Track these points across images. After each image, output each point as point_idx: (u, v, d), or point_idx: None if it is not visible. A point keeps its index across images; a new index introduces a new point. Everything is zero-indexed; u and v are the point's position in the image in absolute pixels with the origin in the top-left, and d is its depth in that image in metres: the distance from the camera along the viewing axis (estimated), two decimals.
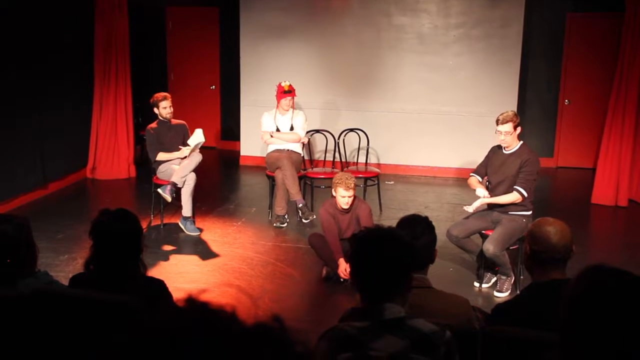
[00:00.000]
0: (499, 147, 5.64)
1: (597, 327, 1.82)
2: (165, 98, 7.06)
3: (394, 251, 2.34)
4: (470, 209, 5.56)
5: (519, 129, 5.49)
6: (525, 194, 5.36)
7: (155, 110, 7.09)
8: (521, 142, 5.54)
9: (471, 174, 5.81)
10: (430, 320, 2.41)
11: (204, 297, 1.03)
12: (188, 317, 1.00)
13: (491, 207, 5.66)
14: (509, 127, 5.44)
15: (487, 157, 5.73)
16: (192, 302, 1.02)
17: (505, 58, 9.36)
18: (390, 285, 2.33)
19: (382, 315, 2.29)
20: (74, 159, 8.91)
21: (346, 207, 5.60)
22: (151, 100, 7.12)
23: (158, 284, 3.26)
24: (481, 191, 5.57)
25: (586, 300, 1.86)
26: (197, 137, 7.02)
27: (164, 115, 7.05)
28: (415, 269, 2.66)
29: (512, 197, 5.38)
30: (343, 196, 5.55)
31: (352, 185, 5.56)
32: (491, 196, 5.57)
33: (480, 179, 5.73)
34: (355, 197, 5.69)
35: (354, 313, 2.55)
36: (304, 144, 7.70)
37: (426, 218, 3.29)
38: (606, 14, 9.57)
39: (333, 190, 5.66)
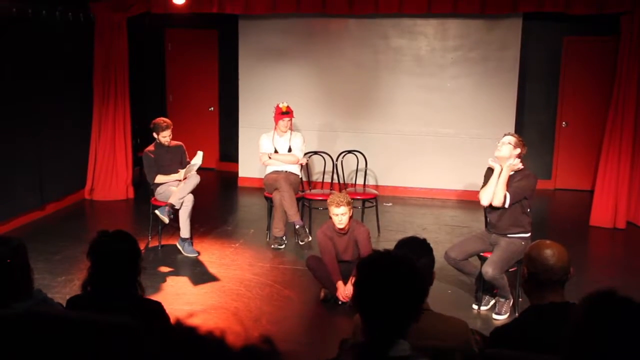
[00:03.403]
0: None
1: (601, 351, 1.81)
2: (167, 127, 7.03)
3: (411, 281, 2.10)
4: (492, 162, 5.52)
5: (519, 150, 5.49)
6: (507, 204, 5.35)
7: (155, 134, 7.09)
8: (521, 165, 5.53)
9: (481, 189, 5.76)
10: (429, 343, 2.39)
11: (192, 321, 1.02)
12: (180, 341, 0.99)
13: (489, 228, 5.66)
14: (511, 140, 5.48)
15: (485, 177, 5.73)
16: (180, 327, 1.02)
17: (502, 80, 9.42)
18: (402, 320, 2.10)
19: (387, 353, 2.08)
20: (72, 180, 8.91)
21: (341, 226, 5.59)
22: (152, 125, 7.12)
23: (155, 306, 3.24)
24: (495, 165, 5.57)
25: (591, 326, 1.85)
26: (197, 158, 7.05)
27: (162, 142, 7.07)
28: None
29: (501, 194, 5.36)
30: (336, 214, 5.57)
31: (344, 202, 5.56)
32: (492, 221, 5.56)
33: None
34: (352, 219, 5.69)
35: (355, 349, 2.25)
36: (302, 166, 7.71)
37: (424, 240, 3.29)
38: (602, 38, 9.64)
39: (329, 211, 5.69)
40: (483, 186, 5.68)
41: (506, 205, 5.35)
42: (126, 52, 9.20)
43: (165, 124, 7.08)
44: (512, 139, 5.51)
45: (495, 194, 5.39)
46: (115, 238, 3.19)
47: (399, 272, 2.10)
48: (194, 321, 1.04)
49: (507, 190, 5.37)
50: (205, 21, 10.61)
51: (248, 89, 10.13)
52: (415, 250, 3.18)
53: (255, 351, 1.00)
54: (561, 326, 2.77)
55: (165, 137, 7.04)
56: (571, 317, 1.95)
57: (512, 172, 5.49)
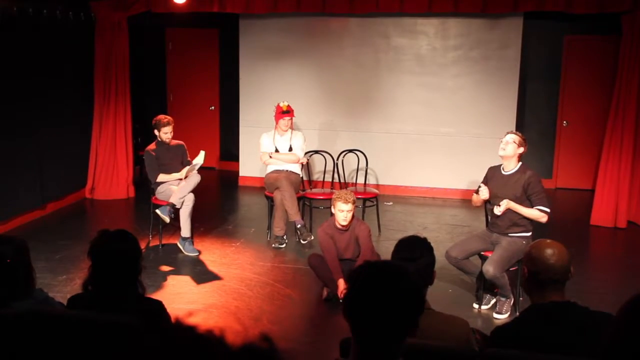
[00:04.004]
0: (498, 167, 5.65)
1: None
2: (168, 123, 7.06)
3: (406, 295, 1.92)
4: (498, 211, 5.49)
5: (522, 149, 5.51)
6: (549, 210, 5.38)
7: (156, 132, 7.10)
8: (520, 163, 5.55)
9: (474, 193, 5.79)
10: (429, 342, 2.38)
11: (193, 320, 1.02)
12: (180, 340, 0.99)
13: (490, 227, 5.66)
14: (514, 137, 5.49)
15: (486, 177, 5.73)
16: (179, 326, 1.01)
17: (503, 79, 9.41)
18: (397, 337, 1.94)
19: None
20: (73, 179, 8.91)
21: (344, 223, 5.59)
22: (153, 122, 7.13)
23: (156, 305, 3.24)
24: (484, 192, 5.57)
25: (635, 328, 1.82)
26: (199, 158, 7.08)
27: (164, 139, 7.07)
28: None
29: (538, 213, 5.36)
30: (341, 210, 5.55)
31: (351, 199, 5.57)
32: (493, 217, 5.56)
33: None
34: (354, 217, 5.69)
35: None
36: (302, 165, 7.71)
37: (425, 239, 3.28)
38: (603, 37, 9.64)
39: (332, 206, 5.69)
40: (477, 190, 5.69)
41: (548, 211, 5.38)
42: (127, 51, 9.20)
43: (166, 120, 7.10)
44: (516, 138, 5.51)
45: (535, 219, 5.40)
46: (116, 237, 3.19)
47: (392, 286, 1.91)
48: (194, 320, 1.04)
49: (537, 204, 5.37)
50: (206, 20, 10.61)
51: (249, 88, 10.13)
52: (416, 250, 3.18)
53: (255, 350, 0.99)
54: (562, 325, 2.78)
55: (166, 133, 7.05)
56: (612, 320, 1.90)
57: (510, 172, 5.50)
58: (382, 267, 2.00)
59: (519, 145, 5.49)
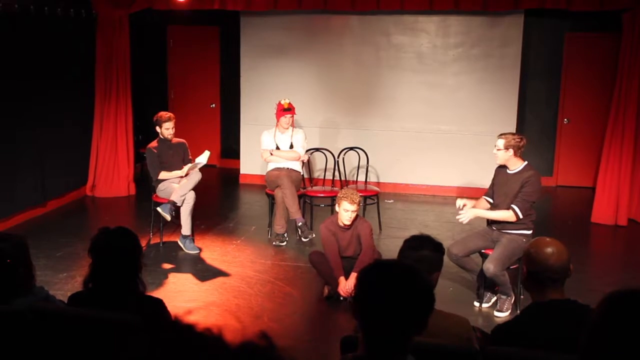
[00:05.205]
0: (504, 166, 5.63)
1: (622, 351, 1.78)
2: (169, 119, 7.06)
3: (416, 293, 1.96)
4: (462, 218, 5.51)
5: (511, 151, 5.44)
6: (521, 215, 5.33)
7: (157, 128, 7.10)
8: (525, 162, 5.52)
9: (483, 196, 5.78)
10: (430, 340, 2.37)
11: (192, 318, 1.02)
12: (178, 338, 1.00)
13: (491, 225, 5.66)
14: (501, 143, 5.47)
15: (493, 178, 5.74)
16: (179, 324, 1.02)
17: (504, 77, 9.40)
18: (407, 334, 1.98)
19: None
20: (73, 176, 8.91)
21: (348, 222, 5.58)
22: (154, 119, 7.13)
23: (156, 303, 3.25)
24: (460, 201, 5.60)
25: (613, 325, 1.82)
26: (203, 157, 7.07)
27: (165, 135, 7.07)
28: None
29: (506, 214, 5.35)
30: (347, 210, 5.54)
31: (357, 200, 5.56)
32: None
33: (490, 200, 5.69)
34: (357, 216, 5.69)
35: None
36: (303, 163, 7.71)
37: (437, 242, 3.23)
38: (604, 34, 9.62)
39: (337, 204, 5.67)
40: (489, 187, 5.70)
41: (521, 217, 5.35)
42: (128, 49, 9.20)
43: (167, 115, 7.10)
44: (500, 143, 5.46)
45: (502, 220, 5.40)
46: (116, 235, 3.20)
47: (402, 285, 1.94)
48: (194, 318, 1.04)
49: (514, 203, 5.35)
50: (207, 18, 10.60)
51: (249, 85, 10.12)
52: (421, 242, 3.16)
53: (253, 347, 0.99)
54: (563, 324, 2.78)
55: (168, 129, 7.04)
56: (591, 316, 1.91)
57: (514, 172, 5.48)
58: (392, 267, 2.01)
59: (507, 149, 5.43)
